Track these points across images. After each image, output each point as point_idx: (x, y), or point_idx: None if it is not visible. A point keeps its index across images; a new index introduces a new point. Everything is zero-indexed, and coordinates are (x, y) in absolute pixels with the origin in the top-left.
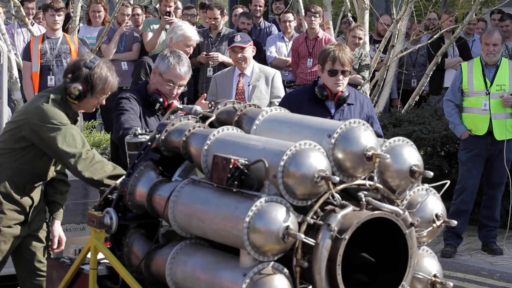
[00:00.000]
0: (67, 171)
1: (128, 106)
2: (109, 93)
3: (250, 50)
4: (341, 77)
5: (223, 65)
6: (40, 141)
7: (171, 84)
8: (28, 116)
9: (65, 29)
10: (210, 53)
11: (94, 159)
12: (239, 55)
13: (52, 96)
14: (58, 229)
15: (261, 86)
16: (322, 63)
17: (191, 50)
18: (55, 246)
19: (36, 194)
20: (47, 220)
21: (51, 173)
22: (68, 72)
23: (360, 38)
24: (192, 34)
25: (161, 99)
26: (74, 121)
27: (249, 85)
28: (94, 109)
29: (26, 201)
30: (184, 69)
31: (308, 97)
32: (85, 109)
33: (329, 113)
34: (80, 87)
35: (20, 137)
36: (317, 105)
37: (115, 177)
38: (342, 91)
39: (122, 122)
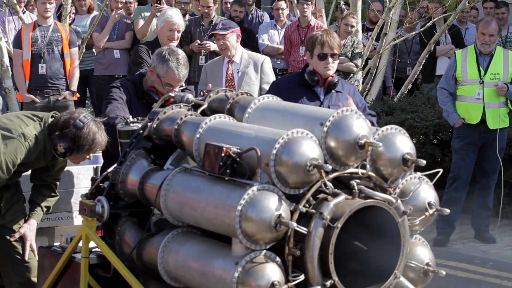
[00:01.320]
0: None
1: (117, 95)
2: (95, 152)
3: (232, 37)
4: (330, 60)
5: (215, 53)
6: None
7: (169, 87)
8: None
9: (58, 17)
10: (202, 42)
11: None
12: (221, 43)
13: (26, 132)
14: (26, 227)
15: (250, 72)
16: (311, 49)
17: (176, 35)
18: (12, 239)
19: (8, 187)
20: (25, 212)
21: (19, 175)
22: (57, 128)
23: (352, 26)
24: (175, 18)
25: (157, 98)
26: (52, 153)
27: (238, 72)
28: (79, 163)
29: None
30: (183, 73)
31: (298, 83)
32: (73, 162)
33: (319, 98)
34: (67, 146)
35: None
36: (306, 91)
37: None
38: (332, 76)
39: (108, 112)
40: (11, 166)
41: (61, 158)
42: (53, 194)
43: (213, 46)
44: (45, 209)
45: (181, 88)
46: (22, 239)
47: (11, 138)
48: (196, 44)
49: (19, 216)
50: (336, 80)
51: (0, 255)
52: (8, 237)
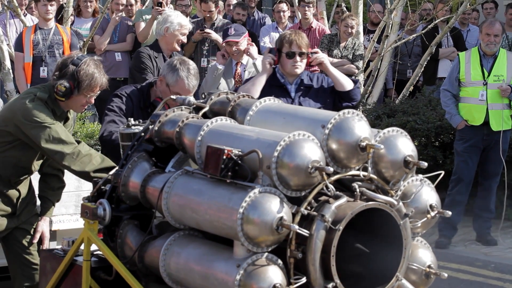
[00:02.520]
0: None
1: (116, 105)
2: (98, 91)
3: (244, 43)
4: (298, 59)
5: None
6: (26, 137)
7: None
8: (13, 113)
9: (59, 20)
10: (205, 31)
11: (80, 153)
12: (234, 49)
13: (38, 94)
14: (42, 225)
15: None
16: (279, 48)
17: (186, 39)
18: (35, 241)
19: (23, 186)
20: (37, 212)
21: (37, 166)
22: (56, 70)
23: (352, 27)
24: (186, 23)
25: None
26: (63, 120)
27: (245, 71)
28: (83, 109)
29: (12, 193)
30: (192, 84)
31: (269, 82)
32: (73, 108)
33: (290, 96)
34: (67, 84)
35: (6, 131)
36: (277, 89)
37: (104, 169)
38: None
39: (104, 128)
40: (60, 130)
41: (62, 99)
42: (61, 185)
43: (214, 35)
44: (56, 203)
45: None
46: (35, 241)
47: (37, 104)
48: (199, 31)
49: (33, 217)
50: (304, 77)
51: (12, 256)
52: (21, 239)
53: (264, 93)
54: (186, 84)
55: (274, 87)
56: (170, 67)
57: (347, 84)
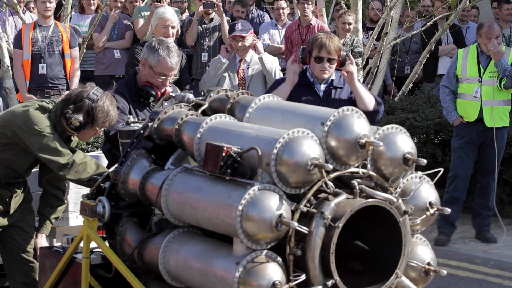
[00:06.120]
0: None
1: None
2: (108, 126)
3: (250, 39)
4: (327, 64)
5: (217, 50)
6: (22, 143)
7: (163, 77)
8: (14, 116)
9: (57, 17)
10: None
11: (75, 163)
12: (240, 44)
13: (43, 104)
14: (40, 241)
15: (259, 70)
16: (310, 50)
17: (170, 31)
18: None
19: (17, 186)
20: (33, 210)
21: (29, 172)
22: (70, 102)
23: (349, 23)
24: (167, 14)
25: (154, 92)
26: (63, 139)
27: (248, 68)
28: (88, 139)
29: (4, 192)
30: (174, 61)
31: (298, 81)
32: (80, 138)
33: (318, 95)
34: (81, 119)
35: (3, 134)
36: (306, 89)
37: (99, 175)
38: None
39: (109, 132)
40: (57, 140)
41: (73, 132)
42: (59, 203)
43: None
44: (53, 221)
45: (175, 78)
46: (30, 239)
47: (40, 113)
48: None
49: (28, 215)
50: (333, 78)
51: (7, 254)
52: (16, 236)
53: (293, 92)
54: (168, 62)
55: (303, 86)
56: (149, 49)
57: (370, 104)
